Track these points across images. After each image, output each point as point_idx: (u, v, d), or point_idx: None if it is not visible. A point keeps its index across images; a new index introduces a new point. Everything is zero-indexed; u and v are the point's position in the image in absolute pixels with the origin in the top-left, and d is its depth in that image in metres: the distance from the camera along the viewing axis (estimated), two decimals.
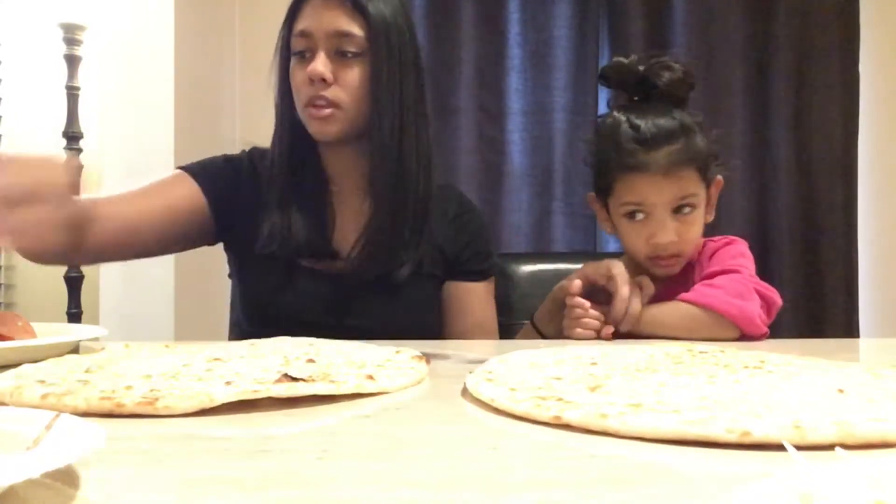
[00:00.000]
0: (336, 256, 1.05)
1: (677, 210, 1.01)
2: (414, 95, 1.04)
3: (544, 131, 2.20)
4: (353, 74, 0.99)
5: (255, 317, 1.05)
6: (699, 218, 1.03)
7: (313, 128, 1.00)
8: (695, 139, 1.00)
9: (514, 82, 2.21)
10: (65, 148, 1.88)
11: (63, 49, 1.86)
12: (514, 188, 2.20)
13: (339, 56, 0.98)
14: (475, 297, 1.12)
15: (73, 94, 1.88)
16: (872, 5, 2.24)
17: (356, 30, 0.98)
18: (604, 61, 2.22)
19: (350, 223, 1.06)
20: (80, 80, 1.89)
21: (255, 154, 1.11)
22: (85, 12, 1.85)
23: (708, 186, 1.04)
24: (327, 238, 1.05)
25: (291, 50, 1.01)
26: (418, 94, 1.05)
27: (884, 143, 2.27)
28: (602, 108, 2.21)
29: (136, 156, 1.86)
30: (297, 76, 1.00)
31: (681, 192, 0.99)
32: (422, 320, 1.07)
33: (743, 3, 2.18)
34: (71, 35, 1.85)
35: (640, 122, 1.00)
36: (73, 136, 1.89)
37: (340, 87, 0.98)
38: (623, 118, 1.02)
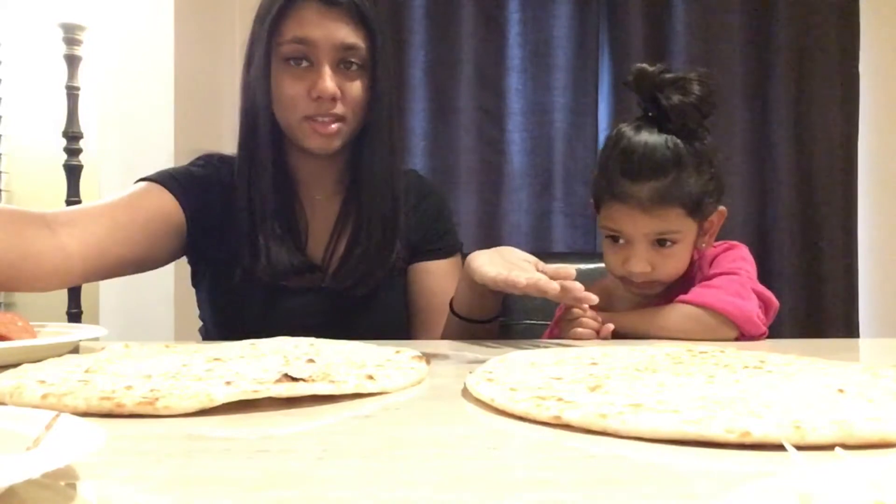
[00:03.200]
0: (315, 269, 1.02)
1: (657, 242, 0.99)
2: (396, 101, 1.03)
3: (544, 131, 2.20)
4: (356, 88, 0.96)
5: (231, 334, 0.99)
6: (681, 252, 1.00)
7: (315, 143, 0.97)
8: (687, 176, 0.95)
9: (514, 82, 2.21)
10: (65, 148, 1.89)
11: (63, 49, 1.86)
12: (514, 188, 2.20)
13: (341, 68, 0.95)
14: (436, 275, 1.08)
15: (73, 94, 1.87)
16: (872, 5, 2.24)
17: (360, 42, 0.95)
18: (604, 61, 2.22)
19: (321, 229, 1.04)
20: (80, 80, 1.89)
21: (215, 162, 1.06)
22: (85, 12, 1.85)
23: (703, 220, 1.01)
24: (303, 252, 1.02)
25: (280, 54, 0.95)
26: (397, 98, 1.05)
27: (884, 143, 2.27)
28: (602, 108, 2.22)
29: (136, 156, 1.85)
30: (292, 86, 0.95)
31: (660, 228, 0.97)
32: (402, 316, 1.08)
33: (743, 3, 2.18)
34: (71, 35, 1.85)
35: (636, 146, 0.96)
36: (73, 136, 1.89)
37: (344, 101, 0.96)
38: (624, 137, 0.99)
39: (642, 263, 0.98)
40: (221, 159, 1.07)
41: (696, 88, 0.96)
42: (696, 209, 0.98)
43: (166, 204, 0.98)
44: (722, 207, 1.03)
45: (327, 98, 0.94)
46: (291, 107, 0.96)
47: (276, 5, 0.95)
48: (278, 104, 0.97)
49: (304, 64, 0.94)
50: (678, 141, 0.96)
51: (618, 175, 0.97)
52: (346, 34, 0.94)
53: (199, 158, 1.08)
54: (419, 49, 2.15)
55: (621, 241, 1.00)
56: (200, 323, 1.12)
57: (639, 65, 0.99)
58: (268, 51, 0.95)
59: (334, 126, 0.96)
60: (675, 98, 0.95)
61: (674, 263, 1.01)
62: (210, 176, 1.04)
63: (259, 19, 0.98)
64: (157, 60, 1.85)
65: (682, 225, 0.98)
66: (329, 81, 0.93)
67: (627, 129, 1.00)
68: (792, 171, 2.18)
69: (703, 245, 1.04)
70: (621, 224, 0.99)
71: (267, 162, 0.99)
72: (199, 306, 1.10)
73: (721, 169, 1.02)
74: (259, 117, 0.98)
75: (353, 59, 0.95)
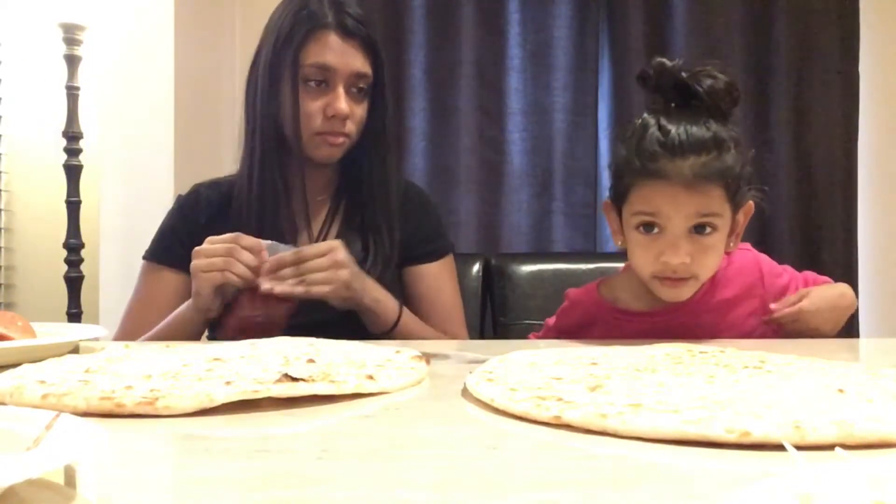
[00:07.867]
0: None
1: (695, 229, 0.90)
2: (392, 116, 1.15)
3: (544, 131, 2.19)
4: (362, 109, 1.09)
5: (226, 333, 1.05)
6: (719, 243, 0.93)
7: (323, 153, 1.08)
8: (727, 155, 0.90)
9: (514, 82, 2.21)
10: (65, 148, 1.89)
11: (63, 49, 1.86)
12: (514, 188, 2.20)
13: (352, 91, 1.07)
14: (430, 277, 1.17)
15: (73, 94, 1.88)
16: (872, 5, 2.23)
17: (369, 70, 1.07)
18: (604, 61, 2.22)
19: (317, 226, 1.15)
20: (80, 80, 1.89)
21: (191, 194, 1.17)
22: (85, 12, 1.85)
23: (736, 211, 0.94)
24: (295, 244, 1.10)
25: (302, 77, 1.05)
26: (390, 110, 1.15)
27: (884, 143, 2.27)
28: (602, 108, 2.21)
29: (136, 156, 1.85)
30: (310, 104, 1.06)
31: (702, 208, 0.89)
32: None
33: (743, 3, 2.18)
34: (71, 35, 1.85)
35: (671, 127, 0.90)
36: (73, 136, 1.89)
37: (352, 120, 1.08)
38: (653, 120, 0.92)
39: (682, 254, 0.89)
40: (197, 187, 1.18)
41: (720, 76, 0.94)
42: (735, 193, 0.92)
43: (171, 282, 1.09)
44: (751, 202, 0.97)
45: (341, 117, 1.06)
46: (306, 122, 1.06)
47: (300, 31, 1.04)
48: (292, 118, 1.06)
49: (322, 85, 1.06)
50: (713, 122, 0.93)
51: (656, 150, 0.90)
52: (360, 64, 1.06)
53: (174, 203, 1.19)
54: (419, 49, 2.15)
55: (655, 230, 0.92)
56: None
57: (656, 60, 0.95)
58: (293, 72, 1.05)
59: (341, 139, 1.08)
60: (707, 82, 0.92)
61: (712, 256, 0.93)
62: (187, 208, 1.15)
63: (279, 41, 1.06)
64: (157, 60, 1.84)
65: (721, 208, 0.91)
66: (343, 103, 1.05)
67: (653, 116, 0.94)
68: (792, 170, 2.18)
69: (733, 245, 0.98)
70: (659, 204, 0.90)
71: (274, 167, 1.10)
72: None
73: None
74: (272, 131, 1.09)
75: (362, 86, 1.08)
